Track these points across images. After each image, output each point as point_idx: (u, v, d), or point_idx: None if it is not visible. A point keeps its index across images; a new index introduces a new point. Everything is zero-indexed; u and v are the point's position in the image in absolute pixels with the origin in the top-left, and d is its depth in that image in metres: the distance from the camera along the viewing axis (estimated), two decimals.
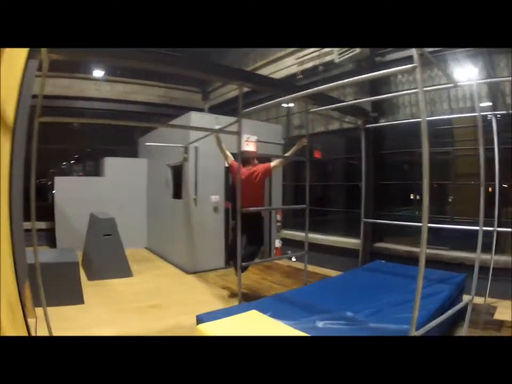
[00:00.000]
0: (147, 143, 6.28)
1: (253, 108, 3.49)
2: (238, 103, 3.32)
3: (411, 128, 5.20)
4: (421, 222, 1.89)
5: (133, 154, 8.13)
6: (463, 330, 2.90)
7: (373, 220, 5.08)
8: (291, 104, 7.00)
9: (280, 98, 3.20)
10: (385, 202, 5.43)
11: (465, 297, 3.21)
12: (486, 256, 3.43)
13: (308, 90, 2.87)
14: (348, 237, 5.63)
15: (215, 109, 8.60)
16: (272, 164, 3.98)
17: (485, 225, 3.06)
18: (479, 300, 3.62)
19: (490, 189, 4.00)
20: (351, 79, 2.49)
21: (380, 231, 5.38)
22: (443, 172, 5.09)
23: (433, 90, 4.80)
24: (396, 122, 5.24)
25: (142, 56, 2.75)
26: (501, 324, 3.28)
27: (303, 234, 4.04)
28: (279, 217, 6.48)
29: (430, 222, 1.97)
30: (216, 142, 4.05)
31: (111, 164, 7.21)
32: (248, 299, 3.66)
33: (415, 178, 5.27)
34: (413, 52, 1.87)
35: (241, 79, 3.38)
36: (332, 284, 3.71)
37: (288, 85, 5.16)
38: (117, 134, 8.48)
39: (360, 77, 2.48)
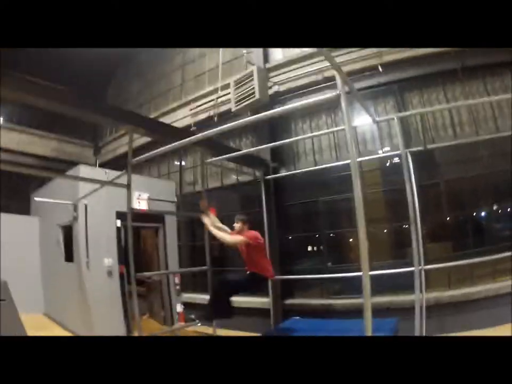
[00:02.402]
0: (36, 199, 5.68)
1: (144, 155, 3.24)
2: (127, 150, 3.14)
3: (315, 177, 4.98)
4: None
5: (27, 211, 7.33)
6: None
7: (281, 277, 4.74)
8: (183, 163, 6.85)
9: (175, 143, 2.97)
10: (291, 256, 5.15)
11: None
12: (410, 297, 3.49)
13: (203, 133, 2.75)
14: (253, 296, 5.21)
15: (106, 165, 8.19)
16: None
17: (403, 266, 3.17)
18: None
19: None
20: (268, 111, 2.54)
21: (288, 287, 5.06)
22: (349, 219, 4.83)
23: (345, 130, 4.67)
24: (306, 169, 4.80)
25: (28, 88, 2.46)
26: None
27: (205, 296, 3.77)
28: (177, 280, 6.02)
29: (345, 271, 2.30)
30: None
31: (3, 221, 6.45)
32: None
33: (320, 228, 5.06)
34: (337, 81, 1.96)
35: (132, 123, 3.18)
36: None
37: (183, 131, 4.86)
38: (10, 188, 7.69)
39: (278, 109, 2.61)
